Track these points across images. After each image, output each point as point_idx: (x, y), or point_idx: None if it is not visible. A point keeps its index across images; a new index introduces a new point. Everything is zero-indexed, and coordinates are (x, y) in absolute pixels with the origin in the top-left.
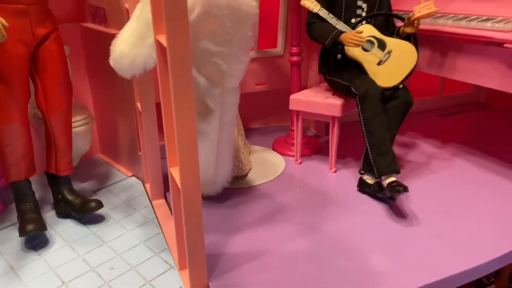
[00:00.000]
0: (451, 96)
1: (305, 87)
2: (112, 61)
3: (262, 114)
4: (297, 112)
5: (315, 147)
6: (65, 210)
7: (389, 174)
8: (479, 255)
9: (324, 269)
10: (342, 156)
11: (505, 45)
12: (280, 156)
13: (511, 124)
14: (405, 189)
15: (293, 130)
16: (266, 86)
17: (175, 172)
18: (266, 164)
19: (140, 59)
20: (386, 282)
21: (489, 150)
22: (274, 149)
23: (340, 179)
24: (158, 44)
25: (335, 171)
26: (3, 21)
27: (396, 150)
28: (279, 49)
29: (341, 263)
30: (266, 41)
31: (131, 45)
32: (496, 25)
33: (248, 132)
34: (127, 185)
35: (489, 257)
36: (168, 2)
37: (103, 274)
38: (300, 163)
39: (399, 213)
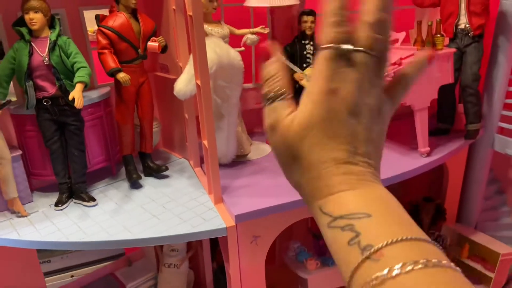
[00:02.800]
0: None
1: None
2: (175, 92)
3: (261, 122)
4: None
5: None
6: (149, 172)
7: None
8: None
9: (284, 191)
10: None
11: None
12: (269, 146)
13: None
14: None
15: None
16: (261, 104)
17: (204, 142)
18: (260, 150)
19: (189, 91)
20: None
21: (395, 138)
22: (266, 143)
23: None
24: (197, 84)
25: None
26: (128, 76)
27: None
28: None
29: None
30: (260, 77)
31: (186, 84)
32: None
33: (253, 133)
34: (179, 162)
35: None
36: (200, 65)
37: (167, 198)
38: None
39: None
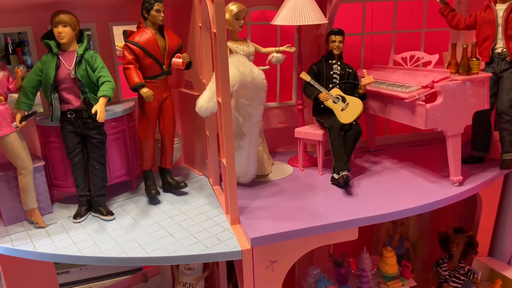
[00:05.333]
0: (421, 133)
1: (307, 124)
2: (197, 109)
3: (284, 142)
4: (299, 138)
5: (313, 162)
6: (168, 187)
7: (342, 170)
8: (389, 208)
9: (304, 215)
10: (327, 166)
11: (405, 100)
12: (291, 167)
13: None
14: (347, 177)
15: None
16: (285, 124)
17: (223, 160)
18: (281, 170)
19: (211, 108)
20: (334, 218)
21: (426, 164)
22: (288, 163)
23: (323, 178)
24: (218, 102)
25: (322, 174)
26: (151, 91)
27: (365, 163)
28: (293, 101)
29: (313, 210)
30: (285, 96)
31: (207, 102)
32: (399, 89)
33: (275, 153)
34: (199, 179)
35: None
36: (222, 83)
37: (184, 216)
38: (302, 170)
39: (347, 192)
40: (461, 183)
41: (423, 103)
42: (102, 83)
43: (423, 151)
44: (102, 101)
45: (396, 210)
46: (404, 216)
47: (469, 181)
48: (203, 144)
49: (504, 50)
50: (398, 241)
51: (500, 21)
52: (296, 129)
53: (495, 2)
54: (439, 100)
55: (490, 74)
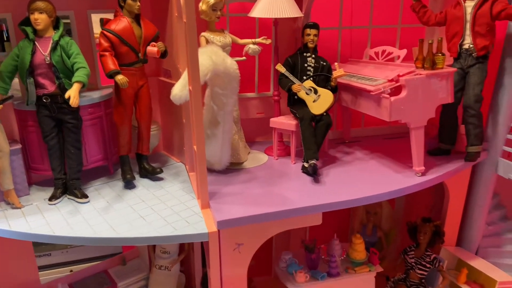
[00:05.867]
0: (396, 126)
1: (283, 114)
2: (171, 96)
3: (262, 132)
4: (274, 128)
5: (288, 152)
6: (144, 173)
7: (311, 159)
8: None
9: (271, 201)
10: (301, 155)
11: (371, 93)
12: (267, 156)
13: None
14: (315, 166)
15: (278, 141)
16: (263, 114)
17: (194, 146)
18: (256, 159)
19: (184, 96)
20: (299, 203)
21: (395, 156)
22: (265, 152)
23: (295, 166)
24: (190, 90)
25: (295, 163)
26: (126, 78)
27: (338, 153)
28: (271, 92)
29: (281, 196)
30: (263, 87)
31: (181, 90)
32: (367, 82)
33: (253, 142)
34: (176, 166)
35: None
36: (192, 72)
37: (157, 200)
38: (277, 159)
39: (316, 179)
40: (425, 173)
41: (388, 96)
42: (77, 69)
43: (396, 143)
44: (76, 86)
45: (357, 198)
46: (365, 204)
47: (433, 172)
48: (181, 132)
49: (471, 46)
50: (372, 230)
51: (468, 17)
52: (271, 119)
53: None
54: (403, 93)
55: (454, 69)
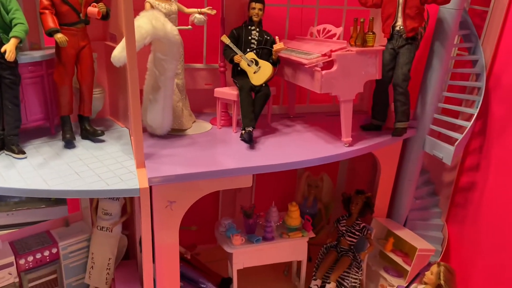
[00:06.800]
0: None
1: (228, 85)
2: (111, 58)
3: (210, 103)
4: (218, 98)
5: (231, 122)
6: (85, 134)
7: (247, 126)
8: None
9: (205, 162)
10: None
11: (305, 66)
12: (211, 125)
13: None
14: (250, 132)
15: (222, 111)
16: (211, 85)
17: (130, 107)
18: (200, 127)
19: (123, 59)
20: (230, 165)
21: (331, 130)
22: (210, 122)
23: (236, 135)
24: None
25: (236, 132)
26: (66, 37)
27: (279, 126)
28: (217, 64)
29: (215, 158)
30: (211, 59)
31: (120, 51)
32: (303, 56)
33: (201, 113)
34: (120, 130)
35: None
36: (128, 37)
37: (95, 159)
38: (220, 128)
39: (251, 146)
40: (353, 144)
41: (320, 69)
42: (15, 25)
43: (336, 120)
44: (13, 41)
45: (284, 162)
46: (291, 168)
47: (361, 143)
48: (126, 97)
49: (402, 27)
50: (312, 202)
51: (400, 0)
52: (216, 89)
53: None
54: (334, 67)
55: (383, 48)
